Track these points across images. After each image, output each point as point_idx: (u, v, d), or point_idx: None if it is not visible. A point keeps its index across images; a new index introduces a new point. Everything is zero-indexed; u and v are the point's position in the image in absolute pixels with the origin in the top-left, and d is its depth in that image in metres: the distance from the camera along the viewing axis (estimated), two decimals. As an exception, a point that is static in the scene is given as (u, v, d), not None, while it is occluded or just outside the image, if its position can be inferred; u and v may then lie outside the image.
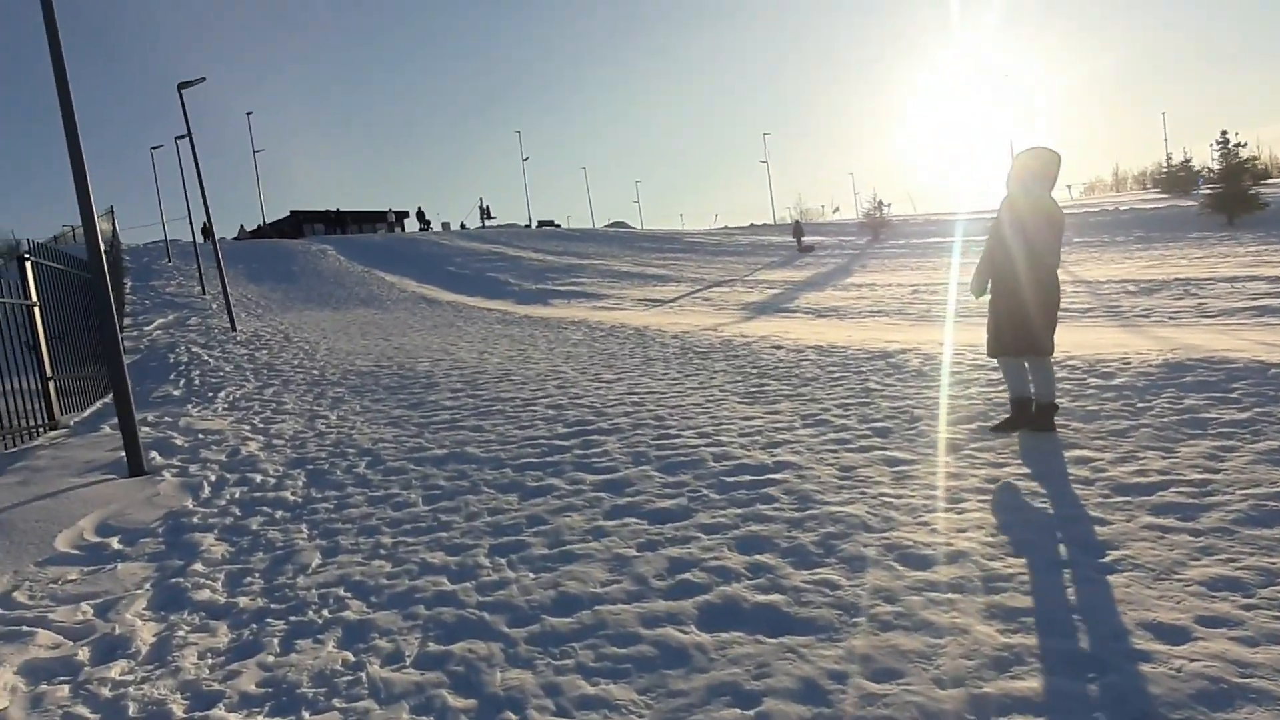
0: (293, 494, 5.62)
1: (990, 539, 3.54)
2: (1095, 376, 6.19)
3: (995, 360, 5.90)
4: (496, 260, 35.34)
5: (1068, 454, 4.60)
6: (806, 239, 36.91)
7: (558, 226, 61.90)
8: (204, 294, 25.11)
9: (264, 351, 13.50)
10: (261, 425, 7.86)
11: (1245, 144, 23.33)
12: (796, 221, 40.55)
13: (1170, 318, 9.83)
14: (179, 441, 7.25)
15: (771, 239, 41.61)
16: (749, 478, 4.82)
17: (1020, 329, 5.11)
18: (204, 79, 16.99)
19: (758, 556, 3.67)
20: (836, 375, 7.63)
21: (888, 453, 5.04)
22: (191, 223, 26.50)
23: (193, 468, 6.40)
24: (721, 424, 6.20)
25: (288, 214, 52.35)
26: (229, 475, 6.15)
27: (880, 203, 36.58)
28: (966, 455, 4.81)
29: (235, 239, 45.09)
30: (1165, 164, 43.27)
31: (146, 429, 7.64)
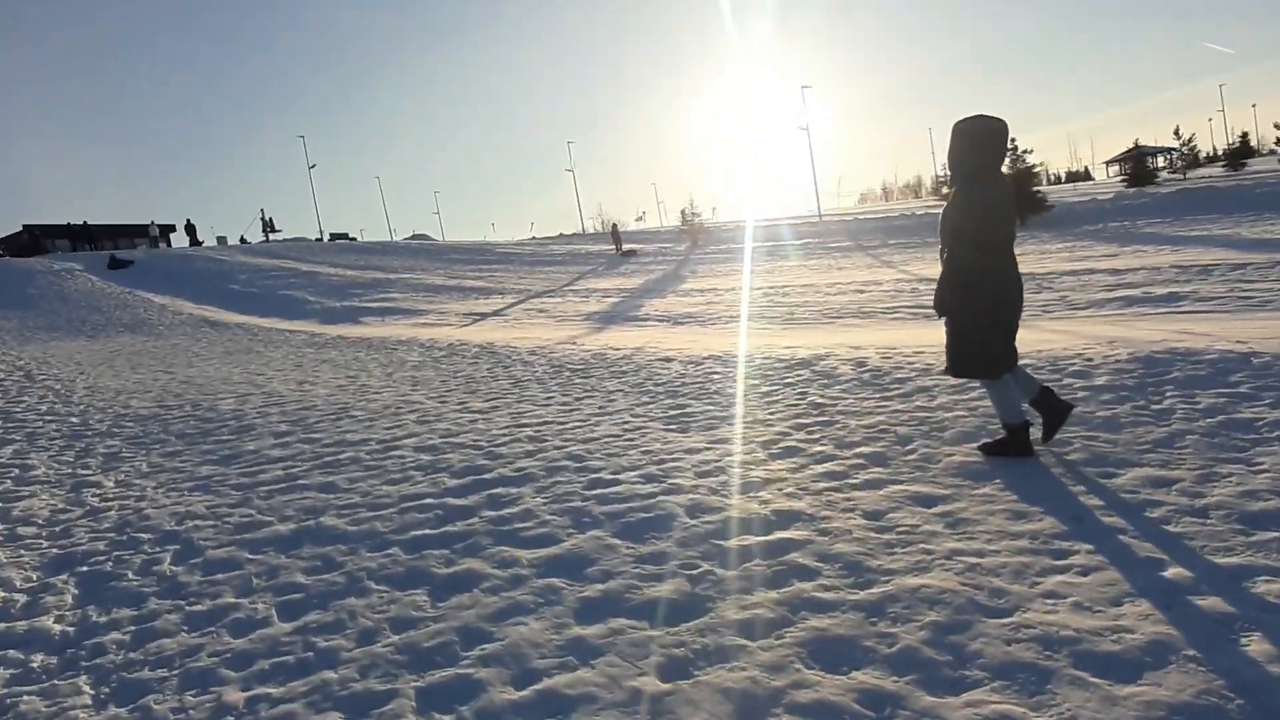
0: (58, 619, 3.68)
1: (1176, 614, 2.56)
2: (1070, 377, 5.58)
3: (960, 379, 5.08)
4: (289, 276, 31.76)
5: (1130, 474, 3.80)
6: (626, 245, 36.92)
7: (353, 240, 57.65)
8: (-95, 326, 20.13)
9: (-4, 396, 10.45)
10: (-3, 505, 5.56)
11: (1031, 150, 25.67)
12: (614, 226, 40.46)
13: (1045, 310, 9.82)
14: None
15: (588, 247, 40.83)
16: (754, 539, 3.60)
17: (1013, 335, 4.28)
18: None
19: (860, 676, 2.46)
20: (765, 389, 6.61)
21: (907, 487, 4.02)
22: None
23: (-121, 589, 4.17)
24: (664, 460, 4.93)
25: (20, 228, 44.39)
26: (-56, 597, 4.02)
27: (695, 210, 36.94)
28: (1008, 486, 3.88)
29: (-51, 260, 37.41)
30: (939, 174, 47.40)
31: None
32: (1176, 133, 40.77)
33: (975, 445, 4.47)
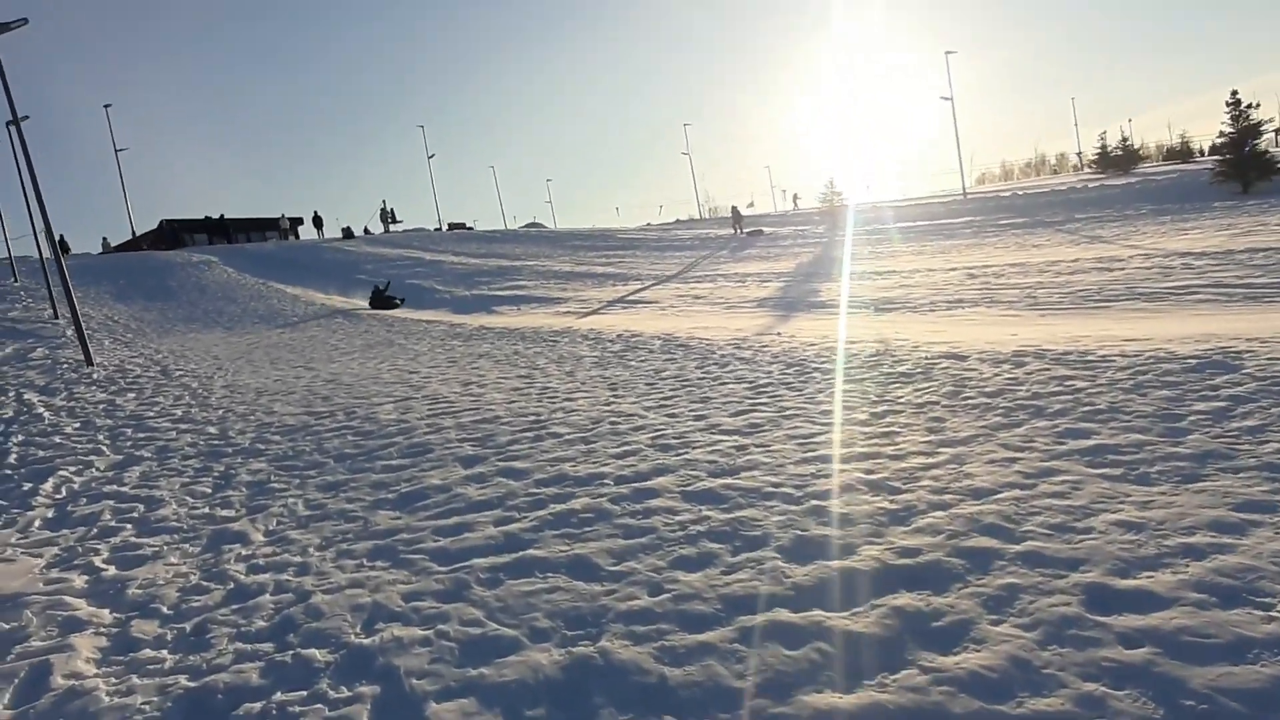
0: None
1: None
2: None
3: None
4: (414, 266, 31.00)
5: None
6: (752, 226, 34.95)
7: (470, 228, 57.50)
8: (57, 318, 19.97)
9: (130, 395, 9.27)
10: (111, 571, 3.94)
11: (1258, 104, 21.59)
12: (734, 208, 38.49)
13: None
14: (-90, 643, 3.27)
15: (714, 231, 38.59)
16: None
17: None
18: (25, 21, 12.40)
19: None
20: (1199, 407, 4.31)
21: None
22: (36, 236, 21.27)
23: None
24: (1191, 547, 2.77)
25: (160, 223, 45.90)
26: (0, 794, 2.31)
27: (836, 190, 34.19)
28: None
29: (102, 254, 38.80)
30: (1101, 144, 42.66)
31: None
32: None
33: None
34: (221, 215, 45.62)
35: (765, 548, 3.26)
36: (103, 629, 3.27)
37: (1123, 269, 11.64)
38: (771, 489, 3.90)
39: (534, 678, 2.55)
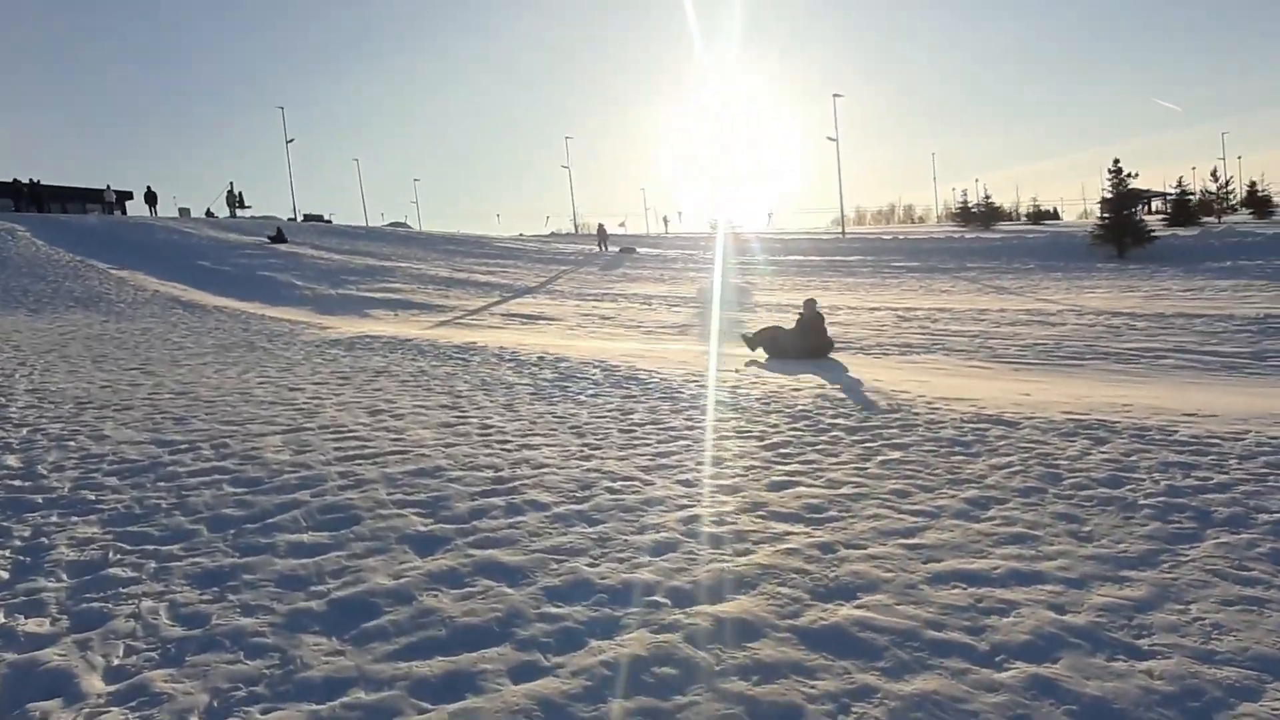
0: None
1: None
2: None
3: None
4: (267, 257, 27.87)
5: None
6: (621, 246, 35.23)
7: (328, 221, 53.62)
8: None
9: (-112, 397, 6.84)
10: None
11: (1136, 174, 22.98)
12: (601, 226, 39.17)
13: None
14: None
15: (593, 247, 37.61)
16: None
17: None
18: None
19: None
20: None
21: None
22: None
23: None
24: None
25: (-48, 183, 39.32)
26: None
27: (728, 220, 34.14)
28: None
29: None
30: (963, 200, 45.23)
31: None
32: (1214, 174, 38.87)
33: None
34: (32, 180, 39.61)
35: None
36: None
37: (1063, 324, 11.40)
38: (934, 631, 2.65)
39: None
